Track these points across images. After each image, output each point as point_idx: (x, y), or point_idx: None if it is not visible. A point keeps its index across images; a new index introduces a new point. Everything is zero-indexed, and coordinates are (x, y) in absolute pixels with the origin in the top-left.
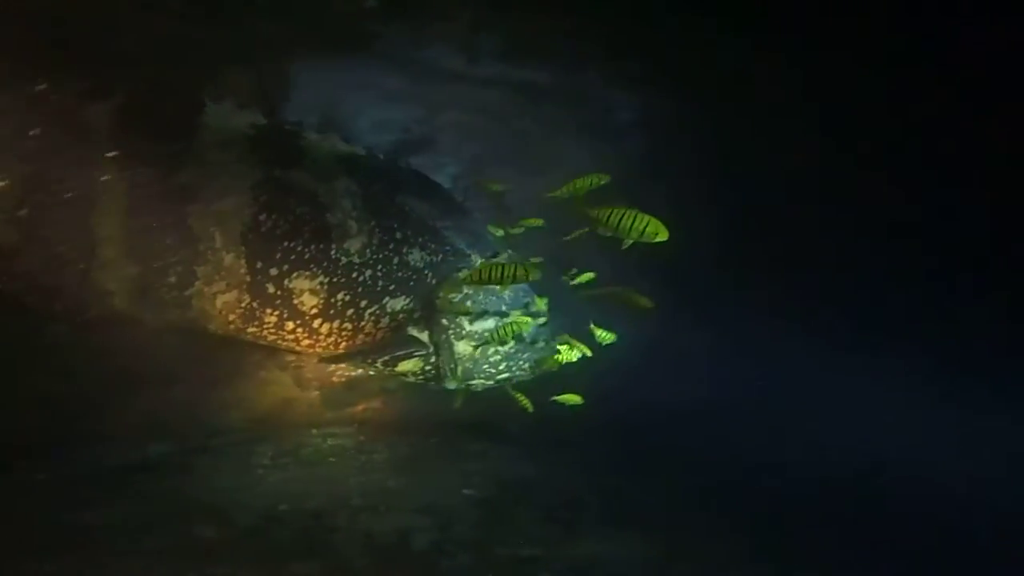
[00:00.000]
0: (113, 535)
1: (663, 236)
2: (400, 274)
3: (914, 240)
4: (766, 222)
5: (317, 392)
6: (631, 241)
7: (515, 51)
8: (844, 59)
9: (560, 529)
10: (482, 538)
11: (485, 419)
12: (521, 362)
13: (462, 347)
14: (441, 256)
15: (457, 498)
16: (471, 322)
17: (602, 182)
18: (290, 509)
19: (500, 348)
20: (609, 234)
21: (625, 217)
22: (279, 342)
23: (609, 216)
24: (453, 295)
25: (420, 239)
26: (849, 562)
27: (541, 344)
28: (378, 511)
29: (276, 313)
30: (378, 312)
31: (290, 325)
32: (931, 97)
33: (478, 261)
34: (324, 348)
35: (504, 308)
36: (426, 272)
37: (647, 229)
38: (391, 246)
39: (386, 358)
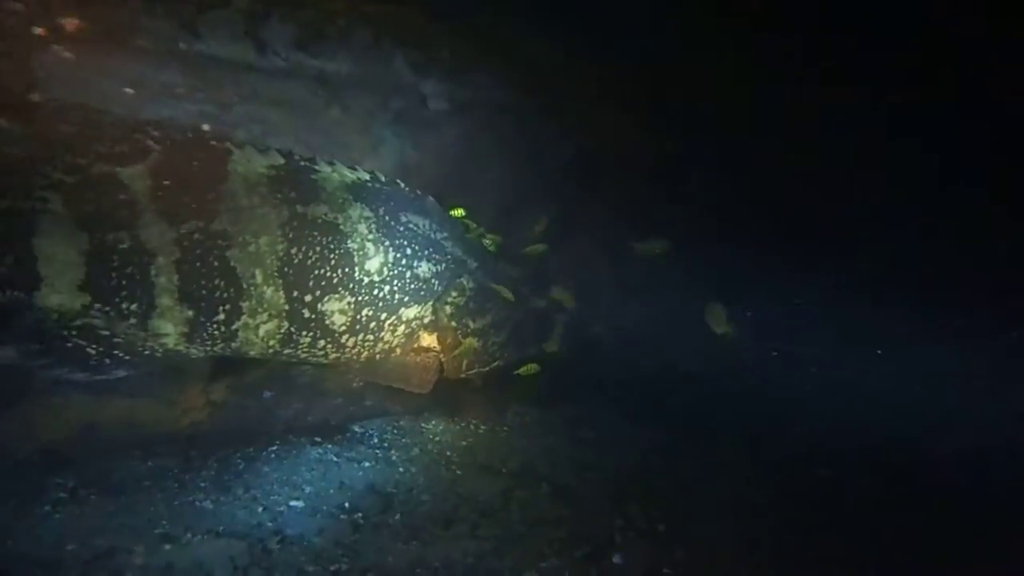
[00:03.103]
0: None
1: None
2: (412, 286)
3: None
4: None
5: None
6: None
7: (310, 39)
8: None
9: (387, 534)
10: (295, 557)
11: (335, 421)
12: (508, 348)
13: (468, 342)
14: (444, 265)
15: (282, 512)
16: (474, 320)
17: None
18: (77, 549)
19: (496, 339)
20: None
21: None
22: (309, 358)
23: None
24: (459, 299)
25: (426, 252)
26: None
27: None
28: (183, 540)
29: (311, 335)
30: (395, 322)
31: (321, 343)
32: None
33: (473, 266)
34: (348, 358)
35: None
36: (433, 281)
37: None
38: (404, 262)
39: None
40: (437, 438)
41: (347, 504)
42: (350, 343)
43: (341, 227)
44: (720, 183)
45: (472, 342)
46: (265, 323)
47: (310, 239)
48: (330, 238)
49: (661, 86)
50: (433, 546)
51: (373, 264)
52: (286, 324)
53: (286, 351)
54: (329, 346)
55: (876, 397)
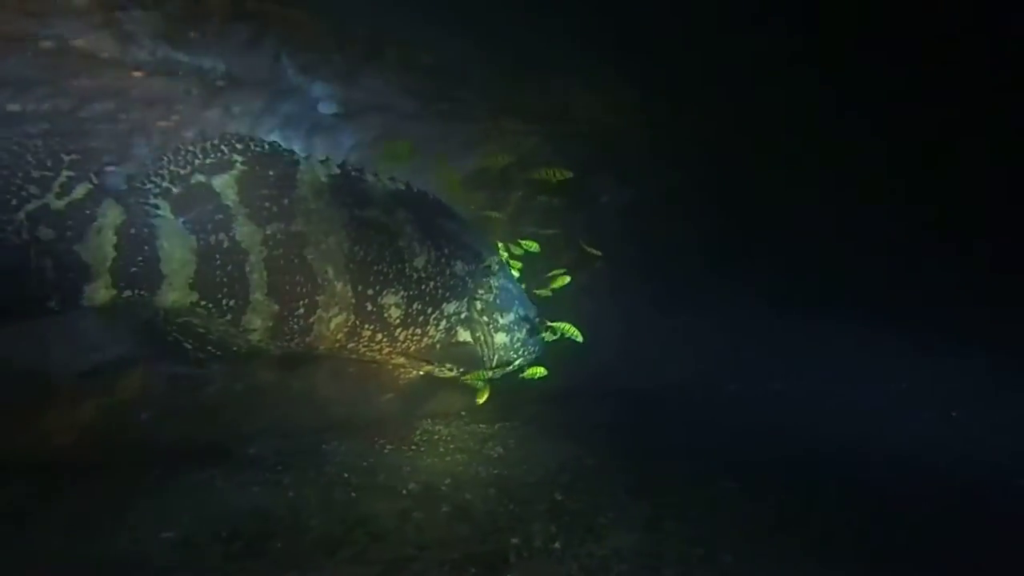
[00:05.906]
0: None
1: None
2: (451, 282)
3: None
4: None
5: None
6: None
7: (180, 33)
8: None
9: (264, 563)
10: None
11: (225, 444)
12: (529, 346)
13: (498, 338)
14: (474, 264)
15: (149, 545)
16: (502, 315)
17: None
18: None
19: (519, 336)
20: None
21: None
22: (367, 353)
23: None
24: (487, 296)
25: (459, 251)
26: None
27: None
28: None
29: (371, 327)
30: (438, 316)
31: (379, 336)
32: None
33: (494, 264)
34: (399, 353)
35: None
36: (466, 278)
37: None
38: (443, 260)
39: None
40: (337, 459)
41: (224, 533)
42: (401, 336)
43: (390, 228)
44: (628, 197)
45: (502, 337)
46: (336, 316)
47: (368, 238)
48: (383, 237)
49: (567, 98)
50: (314, 573)
51: (420, 261)
52: (352, 317)
53: (350, 345)
54: (385, 339)
55: (797, 412)
